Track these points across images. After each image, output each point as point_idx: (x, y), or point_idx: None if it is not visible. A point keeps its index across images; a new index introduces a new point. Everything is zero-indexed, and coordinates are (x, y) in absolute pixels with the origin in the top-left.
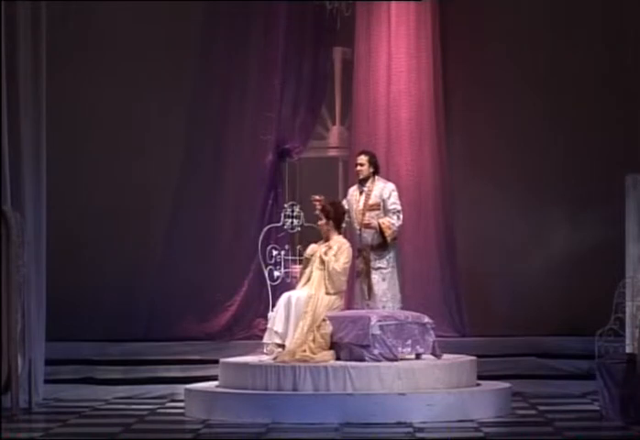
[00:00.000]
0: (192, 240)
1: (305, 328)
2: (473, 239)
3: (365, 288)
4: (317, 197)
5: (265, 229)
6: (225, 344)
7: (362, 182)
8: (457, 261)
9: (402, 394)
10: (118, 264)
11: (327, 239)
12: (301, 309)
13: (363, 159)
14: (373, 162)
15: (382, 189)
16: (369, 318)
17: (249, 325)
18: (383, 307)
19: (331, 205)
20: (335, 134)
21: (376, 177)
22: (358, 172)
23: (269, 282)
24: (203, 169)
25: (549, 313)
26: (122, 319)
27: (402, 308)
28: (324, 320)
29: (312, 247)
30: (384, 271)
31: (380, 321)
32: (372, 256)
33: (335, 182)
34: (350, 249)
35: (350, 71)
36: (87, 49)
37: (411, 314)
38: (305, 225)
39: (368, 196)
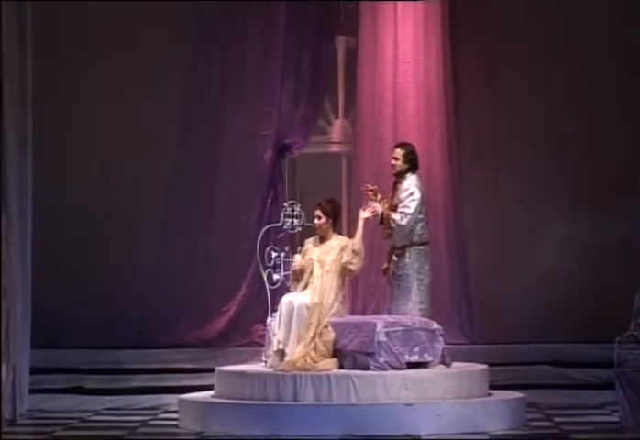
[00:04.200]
0: (186, 241)
1: (309, 340)
2: (485, 240)
3: (388, 291)
4: (371, 186)
5: (264, 229)
6: (221, 351)
7: (397, 178)
8: (467, 263)
9: (410, 405)
10: (108, 267)
11: (323, 240)
12: (303, 316)
13: (399, 152)
14: (410, 158)
15: (402, 191)
16: (375, 324)
17: (247, 331)
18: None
19: (329, 203)
20: (338, 128)
21: (407, 175)
22: (392, 167)
23: (267, 286)
24: (198, 166)
25: (565, 319)
26: (112, 325)
27: None
28: (325, 326)
29: (297, 262)
30: (400, 277)
31: (385, 327)
32: (393, 259)
33: (338, 180)
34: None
35: (354, 62)
36: (74, 44)
37: (418, 320)
38: (306, 224)
39: (394, 195)
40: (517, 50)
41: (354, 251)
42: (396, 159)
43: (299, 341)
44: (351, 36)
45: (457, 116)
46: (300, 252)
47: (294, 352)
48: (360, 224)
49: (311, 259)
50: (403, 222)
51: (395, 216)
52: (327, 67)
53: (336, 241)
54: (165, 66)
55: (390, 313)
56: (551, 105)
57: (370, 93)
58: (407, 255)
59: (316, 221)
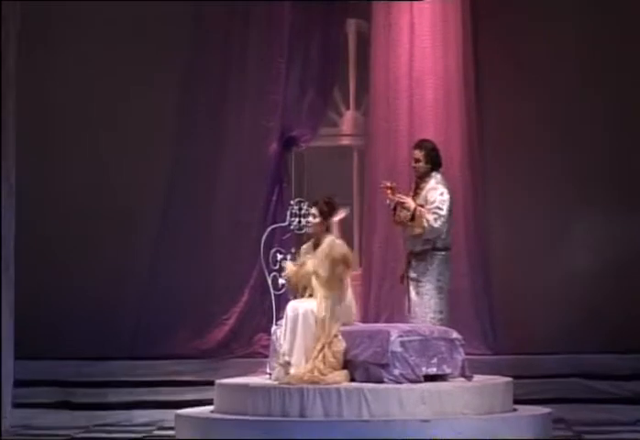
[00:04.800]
0: (184, 243)
1: (316, 353)
2: (508, 242)
3: (406, 298)
4: (389, 184)
5: (268, 230)
6: (221, 362)
7: (420, 178)
8: (489, 267)
9: (427, 421)
10: (99, 271)
11: (318, 241)
12: (309, 324)
13: (418, 154)
14: (432, 157)
15: (429, 191)
16: (389, 333)
17: (250, 341)
18: None
19: (326, 204)
20: (349, 119)
21: (432, 174)
22: (414, 169)
23: (272, 291)
24: (196, 161)
25: (594, 328)
26: (103, 334)
27: None
28: (335, 335)
29: (288, 270)
30: (419, 284)
31: (401, 336)
32: (412, 264)
33: (349, 175)
34: (340, 243)
35: (367, 47)
36: (67, 36)
37: (437, 329)
38: None
39: (416, 195)
40: (544, 34)
41: (321, 259)
42: (417, 160)
43: (305, 353)
44: (363, 18)
45: (479, 107)
46: (296, 257)
47: (300, 363)
48: (334, 228)
49: (308, 273)
50: (437, 224)
51: (429, 216)
52: (337, 52)
53: (325, 244)
54: (162, 52)
55: (407, 322)
56: (587, 95)
57: (384, 82)
58: (428, 260)
59: (311, 219)
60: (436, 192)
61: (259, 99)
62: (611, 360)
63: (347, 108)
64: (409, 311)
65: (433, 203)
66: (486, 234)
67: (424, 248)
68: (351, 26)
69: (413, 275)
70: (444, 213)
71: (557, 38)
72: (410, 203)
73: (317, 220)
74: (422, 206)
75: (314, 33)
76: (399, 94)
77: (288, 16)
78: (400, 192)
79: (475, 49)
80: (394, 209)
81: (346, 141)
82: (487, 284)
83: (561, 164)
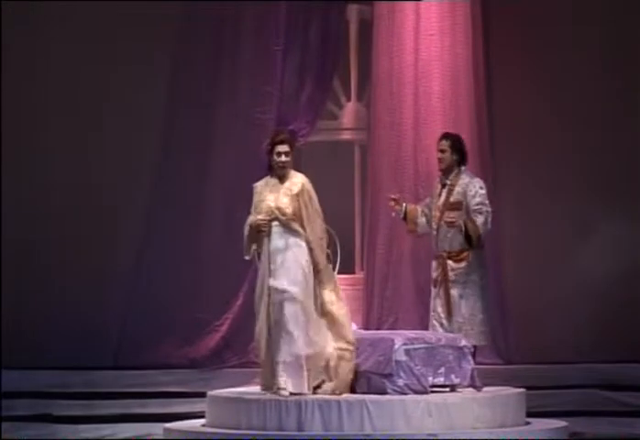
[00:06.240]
0: (172, 243)
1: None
2: (521, 245)
3: (440, 302)
4: (393, 195)
5: None
6: (213, 373)
7: (446, 174)
8: (502, 271)
9: (434, 435)
10: (82, 275)
11: (283, 179)
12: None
13: (445, 144)
14: (458, 148)
15: (467, 185)
16: (393, 341)
17: (244, 350)
18: (459, 330)
19: (290, 133)
20: (350, 112)
21: (462, 168)
22: (439, 161)
23: None
24: (186, 156)
25: (614, 335)
26: (87, 342)
27: (484, 333)
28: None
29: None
30: (462, 285)
31: (405, 344)
32: (450, 265)
33: (350, 172)
34: (310, 185)
35: (369, 35)
36: (41, 18)
37: (444, 336)
38: None
39: (450, 192)
40: (558, 21)
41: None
42: (442, 151)
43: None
44: (365, 4)
45: (489, 99)
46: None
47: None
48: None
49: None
50: (489, 224)
51: (479, 219)
52: (337, 41)
53: (292, 184)
54: (150, 39)
55: (446, 331)
56: (609, 87)
57: (388, 71)
58: (468, 259)
59: (283, 159)
60: (476, 187)
61: (252, 89)
62: (632, 370)
63: (348, 100)
64: (445, 316)
65: (474, 197)
66: (498, 235)
67: (463, 248)
68: (352, 12)
69: (453, 277)
70: (490, 208)
71: (572, 26)
72: (460, 221)
73: (290, 157)
74: (460, 203)
75: (313, 18)
76: (403, 85)
77: (284, 2)
78: (405, 199)
79: (485, 37)
80: (404, 219)
81: (346, 135)
82: (499, 288)
83: (579, 160)
